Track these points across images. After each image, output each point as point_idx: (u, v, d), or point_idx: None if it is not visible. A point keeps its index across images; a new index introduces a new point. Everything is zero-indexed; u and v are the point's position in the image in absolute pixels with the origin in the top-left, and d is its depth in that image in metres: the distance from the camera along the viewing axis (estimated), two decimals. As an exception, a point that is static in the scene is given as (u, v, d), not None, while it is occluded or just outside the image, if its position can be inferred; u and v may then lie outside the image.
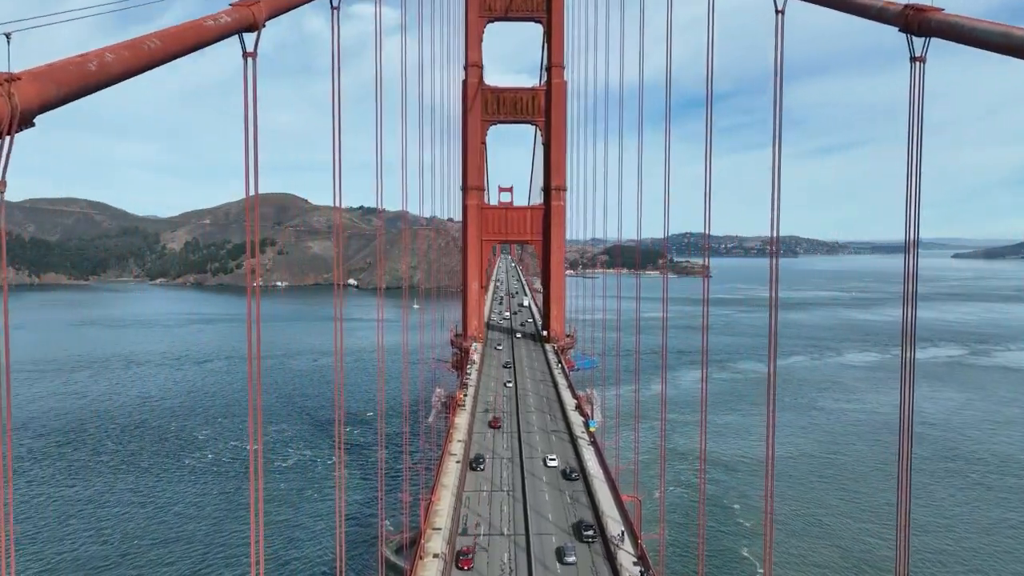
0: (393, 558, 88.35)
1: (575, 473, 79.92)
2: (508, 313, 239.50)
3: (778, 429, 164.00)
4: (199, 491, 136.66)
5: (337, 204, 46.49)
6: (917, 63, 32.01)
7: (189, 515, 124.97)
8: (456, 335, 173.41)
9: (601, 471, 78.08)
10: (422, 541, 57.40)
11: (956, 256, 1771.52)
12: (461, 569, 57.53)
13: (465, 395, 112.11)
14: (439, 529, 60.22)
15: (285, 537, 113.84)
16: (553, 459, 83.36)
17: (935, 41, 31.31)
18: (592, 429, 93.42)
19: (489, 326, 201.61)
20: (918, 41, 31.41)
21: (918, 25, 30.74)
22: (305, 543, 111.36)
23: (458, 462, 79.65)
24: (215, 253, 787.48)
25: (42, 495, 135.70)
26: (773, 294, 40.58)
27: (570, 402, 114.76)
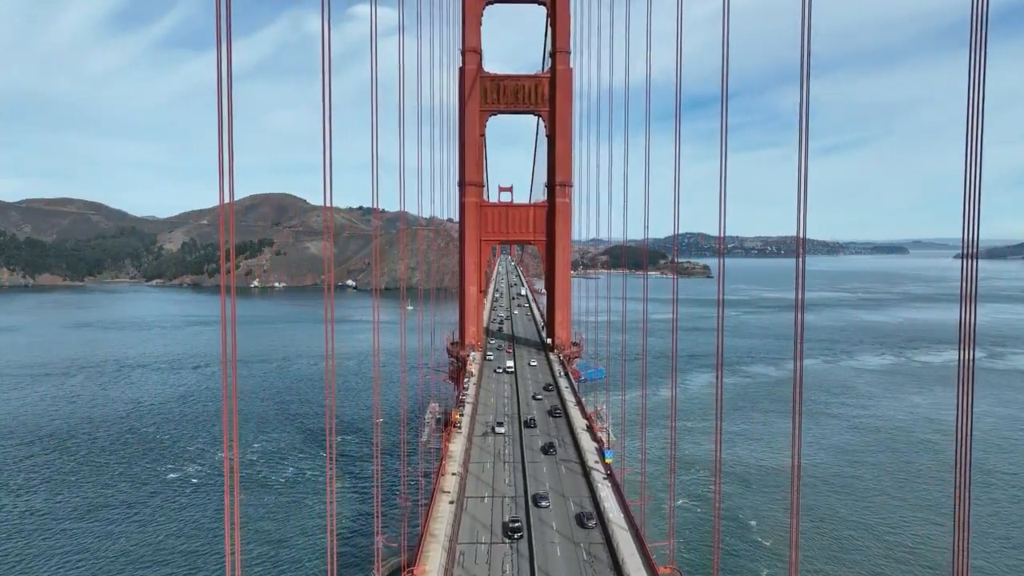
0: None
1: (592, 520, 67.52)
2: (509, 319, 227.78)
3: (811, 436, 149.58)
4: (185, 502, 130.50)
5: (227, 193, 35.44)
6: None
7: (171, 528, 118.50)
8: (452, 343, 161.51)
9: (623, 516, 65.25)
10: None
11: (958, 256, 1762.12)
12: None
13: (461, 415, 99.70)
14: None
15: (271, 553, 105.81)
16: (579, 519, 69.28)
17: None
18: (608, 460, 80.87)
19: (488, 332, 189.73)
20: None
21: None
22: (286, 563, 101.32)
23: (451, 502, 67.64)
24: (212, 254, 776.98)
25: (26, 503, 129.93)
26: (968, 288, 29.38)
27: (580, 423, 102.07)
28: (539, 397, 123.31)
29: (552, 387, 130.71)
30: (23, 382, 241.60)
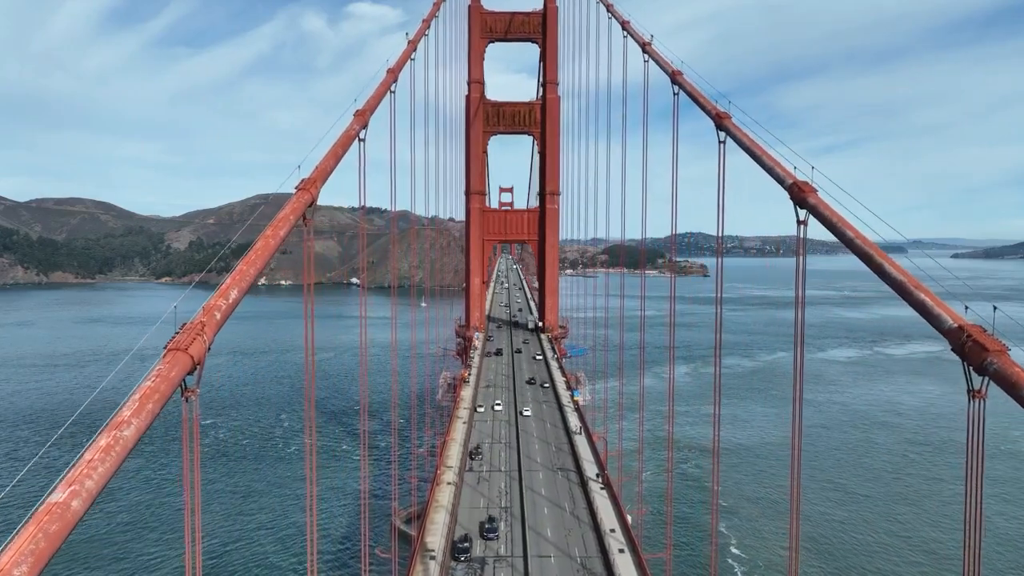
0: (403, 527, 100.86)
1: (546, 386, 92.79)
2: (507, 309, 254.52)
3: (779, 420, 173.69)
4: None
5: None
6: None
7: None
8: (460, 326, 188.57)
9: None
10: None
11: (955, 256, 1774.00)
12: None
13: (469, 374, 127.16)
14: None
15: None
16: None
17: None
18: (576, 398, 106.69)
19: (490, 318, 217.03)
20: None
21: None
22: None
23: (464, 423, 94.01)
24: (219, 252, 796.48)
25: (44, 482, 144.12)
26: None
27: (560, 379, 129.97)
28: (527, 344, 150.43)
29: (541, 358, 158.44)
30: (42, 372, 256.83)
